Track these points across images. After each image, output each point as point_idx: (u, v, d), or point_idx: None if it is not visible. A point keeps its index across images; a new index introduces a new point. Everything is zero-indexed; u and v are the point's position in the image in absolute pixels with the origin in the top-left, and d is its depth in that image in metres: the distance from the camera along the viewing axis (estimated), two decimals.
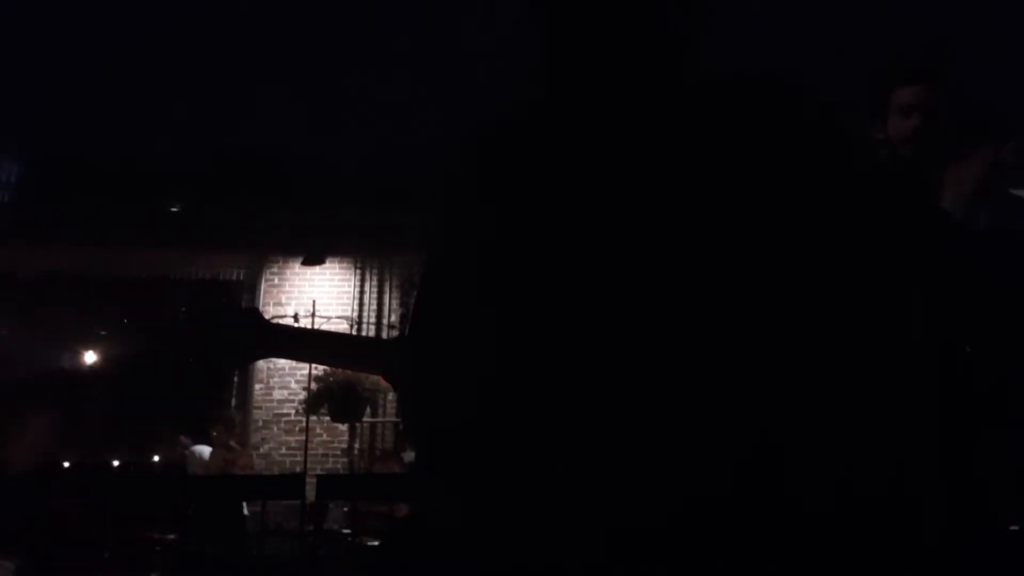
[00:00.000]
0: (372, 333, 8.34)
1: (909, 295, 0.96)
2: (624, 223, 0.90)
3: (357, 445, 8.06)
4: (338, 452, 8.08)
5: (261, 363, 7.91)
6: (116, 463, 6.69)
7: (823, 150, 0.94)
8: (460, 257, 0.98)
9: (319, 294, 8.22)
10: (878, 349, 0.91)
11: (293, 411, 8.03)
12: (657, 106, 0.95)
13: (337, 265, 8.44)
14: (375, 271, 8.51)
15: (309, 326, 7.86)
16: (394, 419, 7.86)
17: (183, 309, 8.60)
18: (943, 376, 1.70)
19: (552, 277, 0.92)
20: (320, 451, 7.94)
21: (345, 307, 8.37)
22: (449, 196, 1.02)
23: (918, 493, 0.93)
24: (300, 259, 8.24)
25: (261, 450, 7.94)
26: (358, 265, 8.48)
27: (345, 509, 6.47)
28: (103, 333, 8.02)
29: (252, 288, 8.45)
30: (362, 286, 8.48)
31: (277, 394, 8.15)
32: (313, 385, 7.11)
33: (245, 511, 6.36)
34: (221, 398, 8.33)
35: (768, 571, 0.84)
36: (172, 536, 5.58)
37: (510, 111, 1.01)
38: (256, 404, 8.15)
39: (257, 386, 8.16)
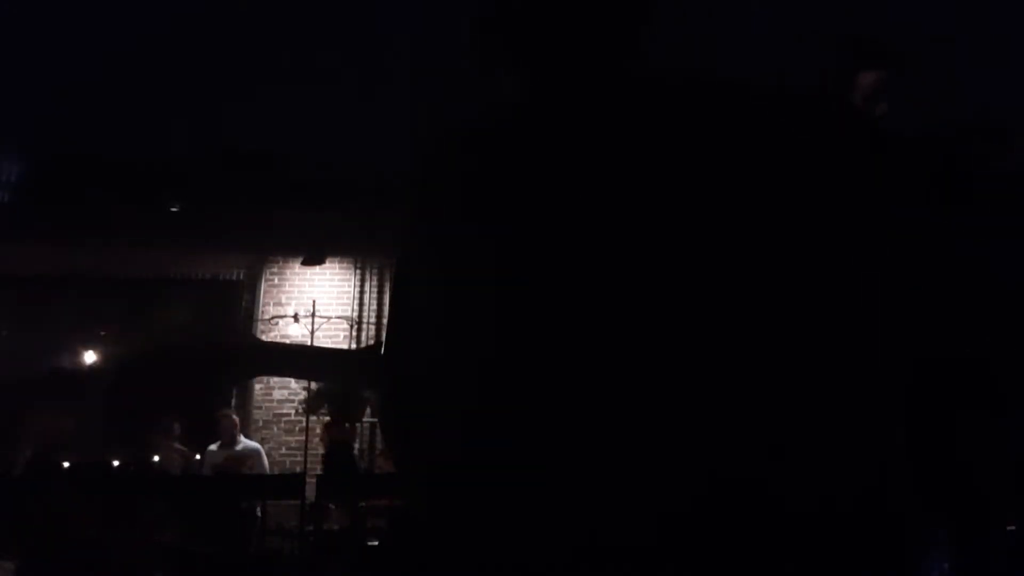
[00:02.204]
0: (372, 333, 8.34)
1: (894, 296, 0.97)
2: (606, 222, 0.90)
3: (357, 445, 8.06)
4: None
5: None
6: (116, 463, 6.70)
7: (806, 153, 0.94)
8: (436, 259, 0.98)
9: (319, 294, 8.23)
10: (861, 346, 0.91)
11: (293, 411, 8.03)
12: (631, 106, 0.96)
13: (337, 265, 8.44)
14: (375, 271, 8.51)
15: (309, 326, 7.87)
16: None
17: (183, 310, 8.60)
18: (940, 376, 1.70)
19: (535, 277, 0.92)
20: (320, 451, 7.95)
21: (345, 307, 8.37)
22: (423, 199, 1.02)
23: (907, 494, 0.93)
24: (300, 259, 8.24)
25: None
26: (358, 265, 8.48)
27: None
28: (103, 333, 8.01)
29: (252, 288, 8.45)
30: (362, 286, 8.49)
31: (277, 394, 8.15)
32: (313, 385, 7.12)
33: (259, 512, 6.37)
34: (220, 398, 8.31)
35: (758, 572, 0.84)
36: (172, 536, 5.58)
37: (485, 114, 1.02)
38: (256, 404, 8.15)
39: (257, 386, 8.16)
